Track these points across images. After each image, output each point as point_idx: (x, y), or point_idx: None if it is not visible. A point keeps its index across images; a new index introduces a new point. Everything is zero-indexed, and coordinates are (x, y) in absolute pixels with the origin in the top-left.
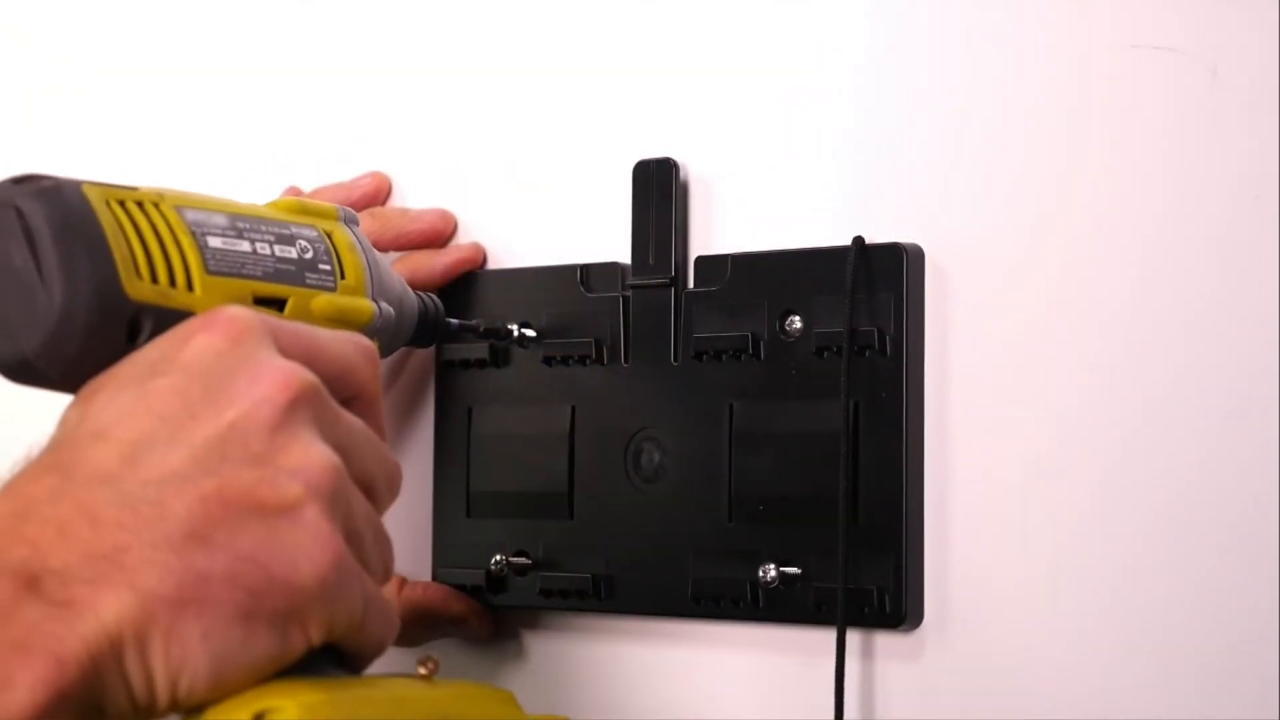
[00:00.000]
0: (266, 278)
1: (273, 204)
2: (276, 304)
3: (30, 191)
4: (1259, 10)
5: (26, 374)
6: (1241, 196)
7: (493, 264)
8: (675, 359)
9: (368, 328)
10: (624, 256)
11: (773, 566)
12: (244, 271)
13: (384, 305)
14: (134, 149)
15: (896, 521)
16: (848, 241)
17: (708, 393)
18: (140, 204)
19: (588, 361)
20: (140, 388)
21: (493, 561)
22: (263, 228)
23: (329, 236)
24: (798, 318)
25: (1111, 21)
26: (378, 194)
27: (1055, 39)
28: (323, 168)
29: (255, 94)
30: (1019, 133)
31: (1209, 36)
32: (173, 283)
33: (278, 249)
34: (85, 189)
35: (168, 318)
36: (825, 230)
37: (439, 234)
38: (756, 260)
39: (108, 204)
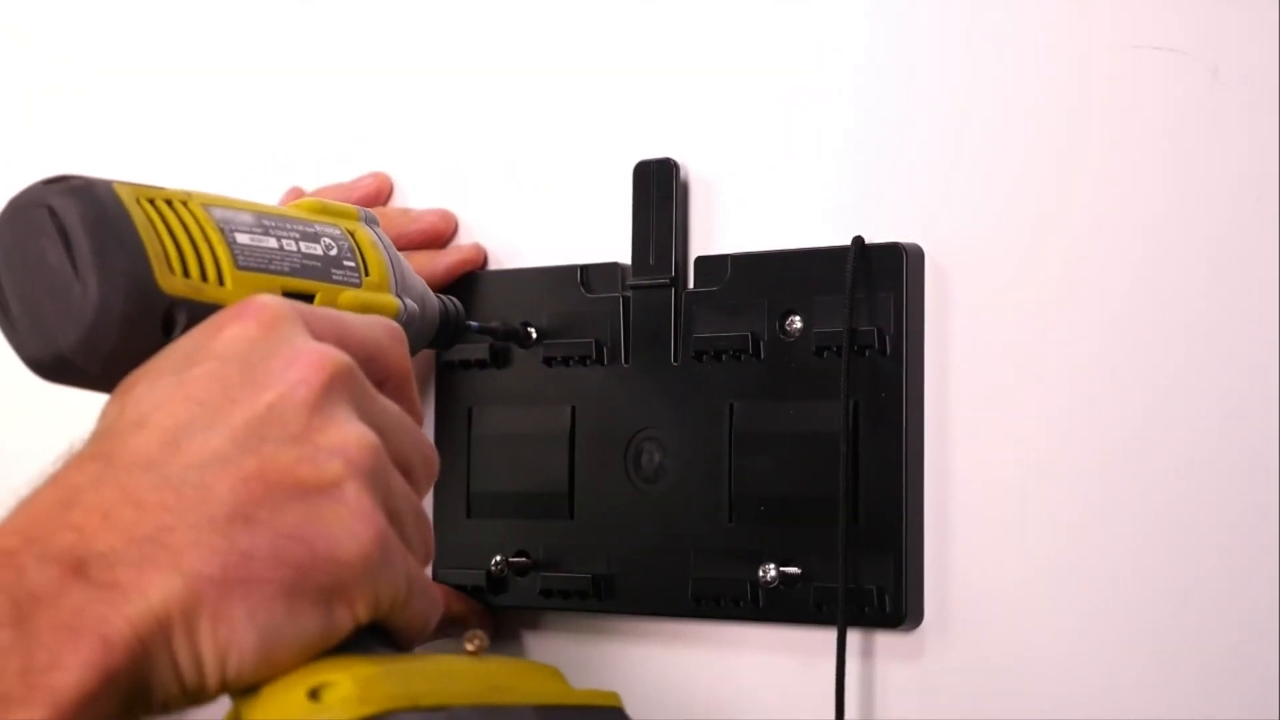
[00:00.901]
0: (294, 273)
1: (295, 205)
2: (305, 299)
3: (62, 190)
4: (1259, 10)
5: (64, 372)
6: (1242, 197)
7: (493, 264)
8: (675, 359)
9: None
10: (624, 257)
11: (773, 566)
12: (272, 267)
13: (409, 301)
14: (134, 149)
15: (896, 521)
16: (847, 241)
17: (708, 393)
18: (169, 202)
19: (588, 362)
20: (178, 376)
21: (493, 562)
22: (288, 225)
23: (351, 235)
24: (798, 318)
25: (1111, 22)
26: (379, 194)
27: (1055, 39)
28: (324, 167)
29: (256, 94)
30: (1019, 133)
31: (1209, 37)
32: (204, 277)
33: (304, 245)
34: (116, 187)
35: (201, 311)
36: (825, 230)
37: (439, 234)
38: (756, 260)
39: (138, 201)
